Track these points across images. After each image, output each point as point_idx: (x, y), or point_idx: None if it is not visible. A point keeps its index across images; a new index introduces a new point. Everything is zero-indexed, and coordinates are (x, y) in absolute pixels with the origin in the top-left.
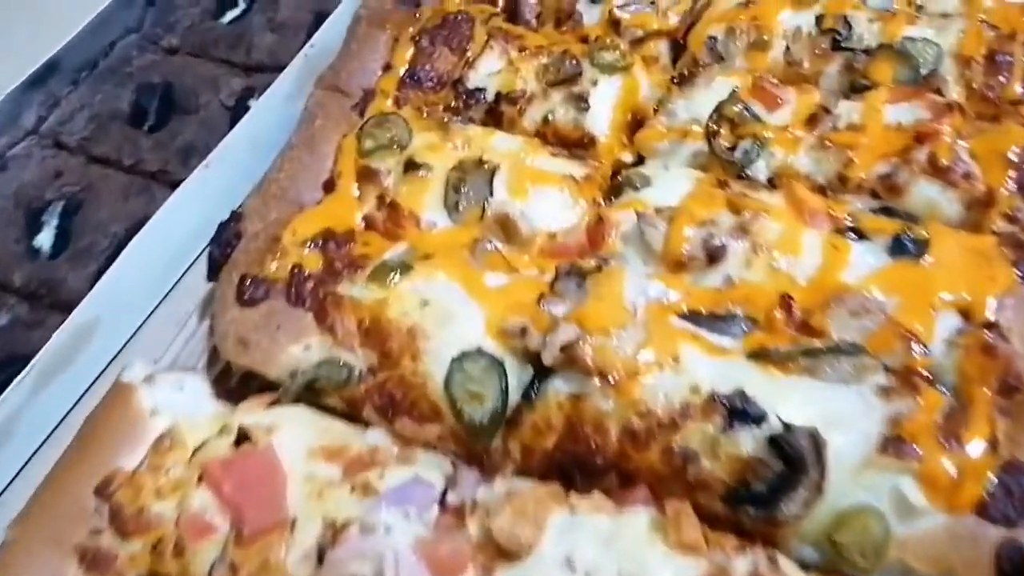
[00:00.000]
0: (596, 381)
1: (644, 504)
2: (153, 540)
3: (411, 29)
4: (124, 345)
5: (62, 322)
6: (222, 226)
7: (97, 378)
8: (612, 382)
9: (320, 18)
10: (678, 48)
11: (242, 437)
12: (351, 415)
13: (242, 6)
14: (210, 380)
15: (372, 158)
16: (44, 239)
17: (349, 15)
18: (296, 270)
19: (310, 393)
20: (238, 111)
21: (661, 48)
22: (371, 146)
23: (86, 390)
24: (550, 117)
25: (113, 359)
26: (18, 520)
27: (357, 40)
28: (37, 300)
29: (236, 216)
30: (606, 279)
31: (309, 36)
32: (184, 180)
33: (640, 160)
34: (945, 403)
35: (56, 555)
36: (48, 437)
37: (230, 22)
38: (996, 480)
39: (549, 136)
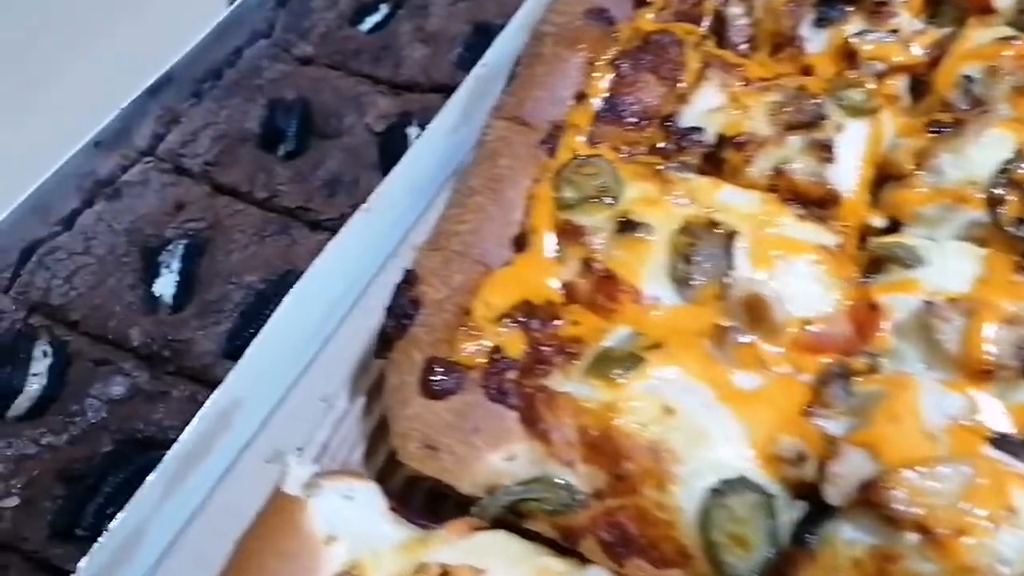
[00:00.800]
0: (911, 536)
1: None
2: None
3: (609, 51)
4: (260, 428)
5: (189, 393)
6: (397, 292)
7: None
8: (934, 539)
9: (479, 29)
10: (917, 86)
11: None
12: (564, 548)
13: (384, 11)
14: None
15: (575, 212)
16: (164, 286)
17: (523, 29)
18: (496, 355)
19: (514, 516)
20: (390, 138)
21: (899, 86)
22: (573, 197)
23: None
24: (784, 168)
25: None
26: None
27: (543, 62)
28: (160, 364)
29: (412, 278)
30: (897, 390)
31: (467, 50)
32: (327, 219)
33: (893, 227)
34: None
35: None
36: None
37: (370, 30)
38: None
39: (783, 191)
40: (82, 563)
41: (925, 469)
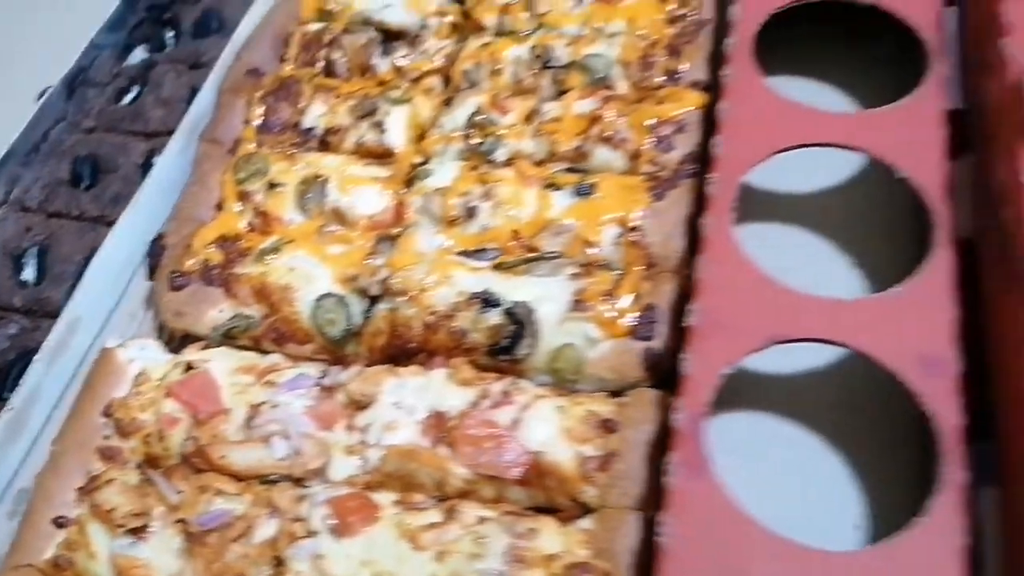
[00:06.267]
0: (402, 298)
1: (441, 366)
2: (143, 436)
3: (258, 93)
4: (99, 334)
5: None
6: (151, 244)
7: (85, 357)
8: (412, 297)
9: (195, 91)
10: (448, 79)
11: (189, 367)
12: (256, 348)
13: (136, 91)
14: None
15: (246, 184)
16: (28, 274)
17: (215, 88)
18: (205, 262)
19: (227, 339)
20: (148, 167)
21: (435, 81)
22: (243, 176)
23: (78, 367)
24: (361, 140)
25: (92, 346)
26: (58, 438)
27: (223, 106)
28: (33, 313)
29: (160, 236)
30: (406, 238)
31: (188, 105)
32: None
33: (427, 160)
34: (610, 279)
35: (84, 456)
36: (60, 400)
37: (129, 103)
38: (638, 316)
39: (363, 153)
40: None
41: (410, 268)
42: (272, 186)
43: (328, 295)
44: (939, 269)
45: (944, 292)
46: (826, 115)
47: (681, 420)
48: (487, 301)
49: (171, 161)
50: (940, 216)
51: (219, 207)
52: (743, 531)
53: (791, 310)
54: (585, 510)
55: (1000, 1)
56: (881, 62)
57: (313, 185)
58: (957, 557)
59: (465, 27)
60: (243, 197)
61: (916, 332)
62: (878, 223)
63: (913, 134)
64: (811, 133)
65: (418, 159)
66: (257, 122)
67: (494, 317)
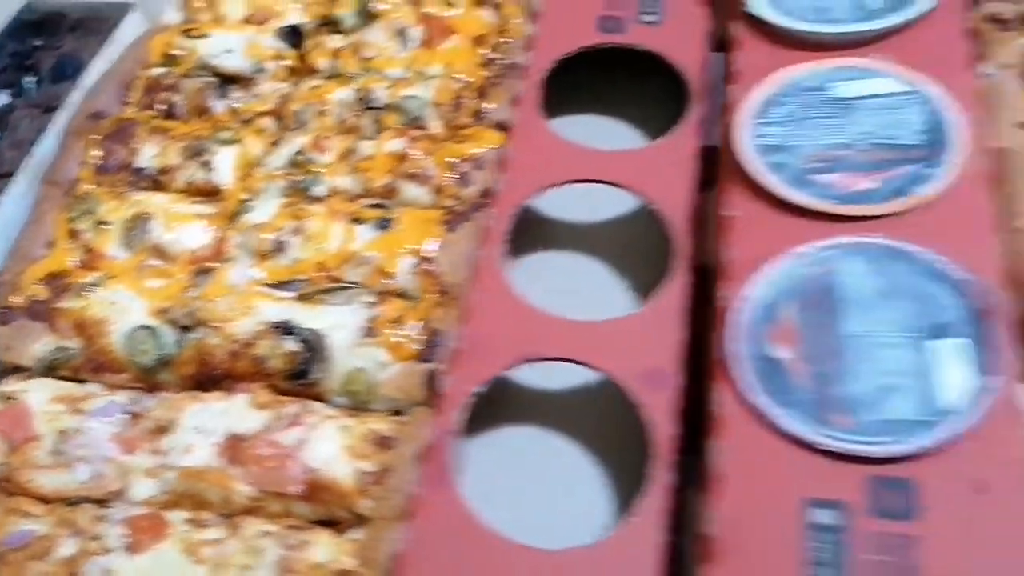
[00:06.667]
0: (209, 328)
1: (243, 391)
2: None
3: (97, 135)
4: None
5: None
6: None
7: None
8: (216, 327)
9: (42, 134)
10: (281, 120)
11: (8, 398)
12: (76, 379)
13: None
14: None
15: (76, 223)
16: None
17: (59, 132)
18: (31, 298)
19: (50, 370)
20: None
21: (268, 122)
22: (75, 215)
23: None
24: (191, 178)
25: None
26: None
27: (66, 148)
28: None
29: None
30: (221, 273)
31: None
32: None
33: (253, 197)
34: (402, 306)
35: None
36: None
37: None
38: (424, 340)
39: (192, 191)
40: None
41: (219, 300)
42: (100, 224)
43: (141, 327)
44: (673, 294)
45: (675, 315)
46: (594, 153)
47: (432, 435)
48: (285, 330)
49: (15, 202)
50: (679, 245)
51: (52, 245)
52: (475, 537)
53: (542, 332)
54: (363, 522)
55: (733, 51)
56: (663, 101)
57: (137, 222)
58: (656, 552)
59: (300, 71)
60: (73, 235)
61: (645, 350)
62: (652, 250)
63: (667, 169)
64: (580, 170)
65: (246, 196)
66: (95, 163)
67: (290, 344)
